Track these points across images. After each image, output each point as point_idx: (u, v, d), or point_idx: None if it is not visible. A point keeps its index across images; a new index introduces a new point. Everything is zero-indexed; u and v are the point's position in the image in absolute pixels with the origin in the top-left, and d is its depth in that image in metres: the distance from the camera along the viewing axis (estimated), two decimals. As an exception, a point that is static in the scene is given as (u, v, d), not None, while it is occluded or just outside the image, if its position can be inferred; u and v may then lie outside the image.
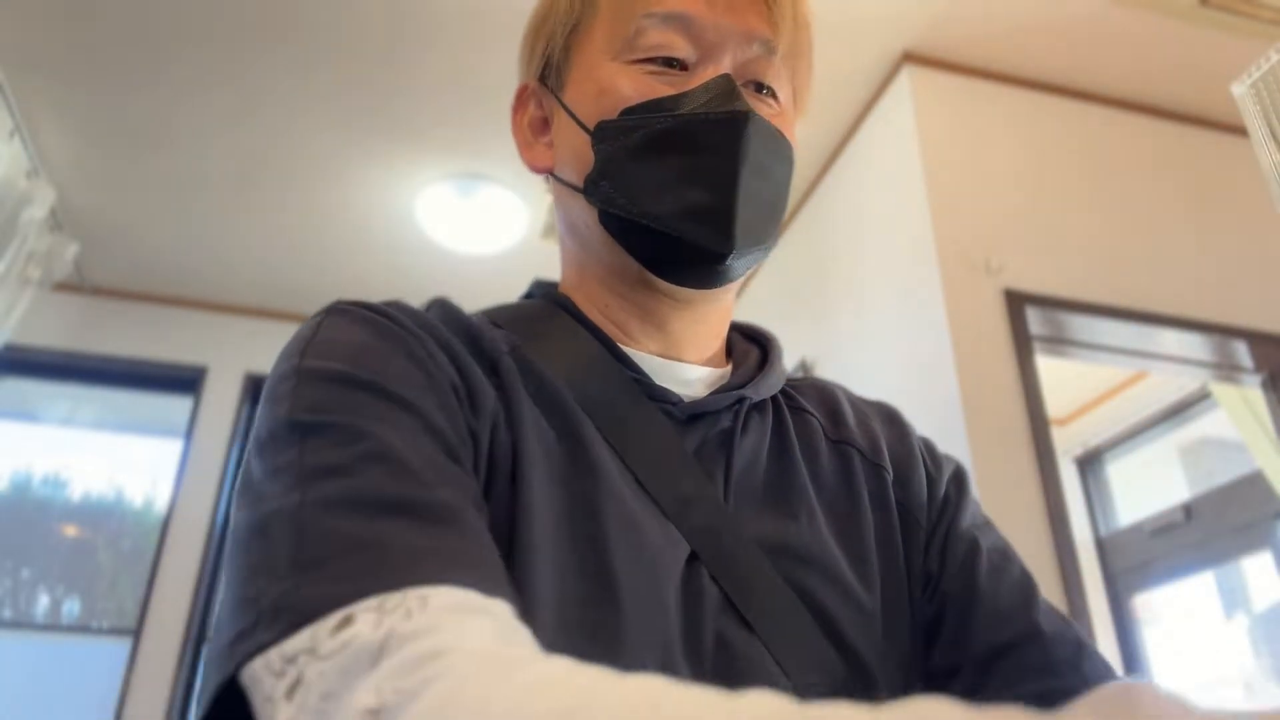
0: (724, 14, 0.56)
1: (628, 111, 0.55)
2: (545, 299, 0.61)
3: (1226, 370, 2.46)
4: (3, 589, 3.30)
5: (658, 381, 0.56)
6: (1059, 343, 2.30)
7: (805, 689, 0.48)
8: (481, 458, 0.47)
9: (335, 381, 0.44)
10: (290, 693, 0.34)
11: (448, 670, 0.31)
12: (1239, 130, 1.90)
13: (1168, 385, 3.32)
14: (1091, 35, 2.36)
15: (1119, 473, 3.83)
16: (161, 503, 3.37)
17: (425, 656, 0.32)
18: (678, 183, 0.53)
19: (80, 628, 3.33)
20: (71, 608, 3.37)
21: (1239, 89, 1.72)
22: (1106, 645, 3.38)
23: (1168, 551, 3.27)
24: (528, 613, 0.39)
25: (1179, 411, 3.47)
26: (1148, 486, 3.66)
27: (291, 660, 0.34)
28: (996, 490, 1.92)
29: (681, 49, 0.56)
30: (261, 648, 0.35)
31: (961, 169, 2.31)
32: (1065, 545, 1.91)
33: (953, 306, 2.09)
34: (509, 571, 0.42)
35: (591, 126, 0.56)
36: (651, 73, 0.56)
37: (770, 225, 0.57)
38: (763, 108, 0.57)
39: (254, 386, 3.52)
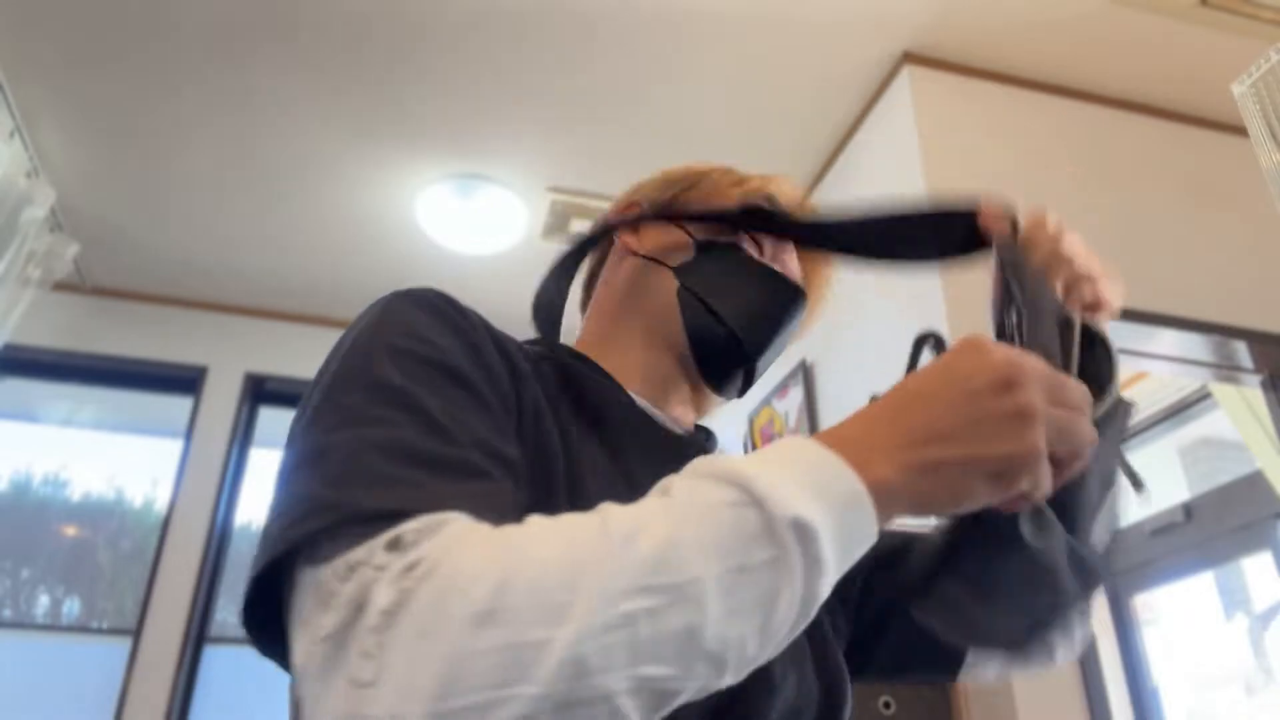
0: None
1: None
2: (563, 350, 0.71)
3: (1226, 370, 2.46)
4: (3, 589, 3.31)
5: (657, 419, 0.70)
6: (1059, 343, 2.30)
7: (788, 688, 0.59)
8: (527, 440, 0.54)
9: (402, 354, 0.50)
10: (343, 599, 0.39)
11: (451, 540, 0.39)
12: (1239, 130, 1.91)
13: (1168, 385, 3.32)
14: (1091, 35, 2.36)
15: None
16: (161, 503, 3.38)
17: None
18: (752, 297, 0.72)
19: (80, 628, 3.33)
20: (71, 608, 3.37)
21: (1239, 89, 1.72)
22: (1106, 645, 3.38)
23: (1168, 551, 3.27)
24: None
25: (1179, 411, 3.47)
26: (1148, 486, 3.66)
27: (353, 568, 0.39)
28: (996, 490, 1.91)
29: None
30: (309, 534, 0.41)
31: (962, 169, 2.31)
32: (1065, 545, 1.91)
33: (953, 306, 2.09)
34: None
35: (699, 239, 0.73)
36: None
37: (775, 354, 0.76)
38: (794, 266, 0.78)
39: (254, 386, 3.52)
